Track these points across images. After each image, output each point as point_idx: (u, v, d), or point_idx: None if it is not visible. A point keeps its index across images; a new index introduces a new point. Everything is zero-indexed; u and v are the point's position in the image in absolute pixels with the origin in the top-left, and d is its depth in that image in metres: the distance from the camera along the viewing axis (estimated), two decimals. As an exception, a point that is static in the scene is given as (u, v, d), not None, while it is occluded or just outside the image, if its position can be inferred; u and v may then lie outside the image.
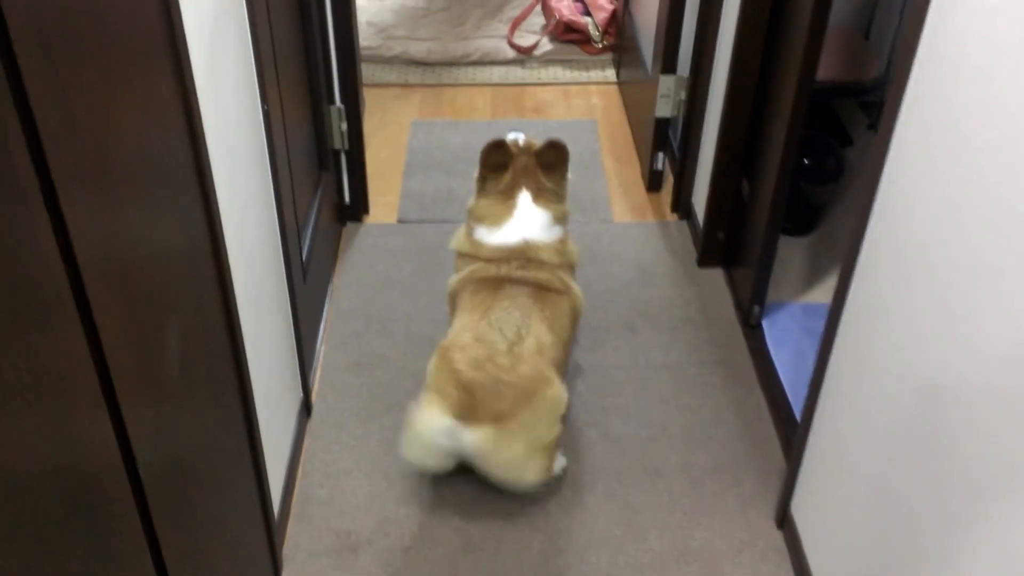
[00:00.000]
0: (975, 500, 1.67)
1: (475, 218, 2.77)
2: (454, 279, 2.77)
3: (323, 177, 3.40)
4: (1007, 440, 1.57)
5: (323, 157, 3.41)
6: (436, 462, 2.59)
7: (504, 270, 2.63)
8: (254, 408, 2.18)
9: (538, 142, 2.81)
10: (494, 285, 2.62)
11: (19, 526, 1.05)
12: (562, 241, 2.74)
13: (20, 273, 1.04)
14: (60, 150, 1.12)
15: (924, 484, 1.85)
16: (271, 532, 2.40)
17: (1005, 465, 1.58)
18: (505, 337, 2.48)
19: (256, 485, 2.26)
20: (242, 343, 2.06)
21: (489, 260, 2.67)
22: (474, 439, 2.43)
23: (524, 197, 2.71)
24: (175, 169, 1.63)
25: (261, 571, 2.35)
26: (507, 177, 2.72)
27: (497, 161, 2.73)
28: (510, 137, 2.83)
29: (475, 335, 2.49)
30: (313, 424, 2.93)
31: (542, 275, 2.64)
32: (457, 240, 2.82)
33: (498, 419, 2.41)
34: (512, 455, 2.47)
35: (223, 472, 1.99)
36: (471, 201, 2.82)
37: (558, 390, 2.51)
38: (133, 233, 1.41)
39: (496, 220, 2.71)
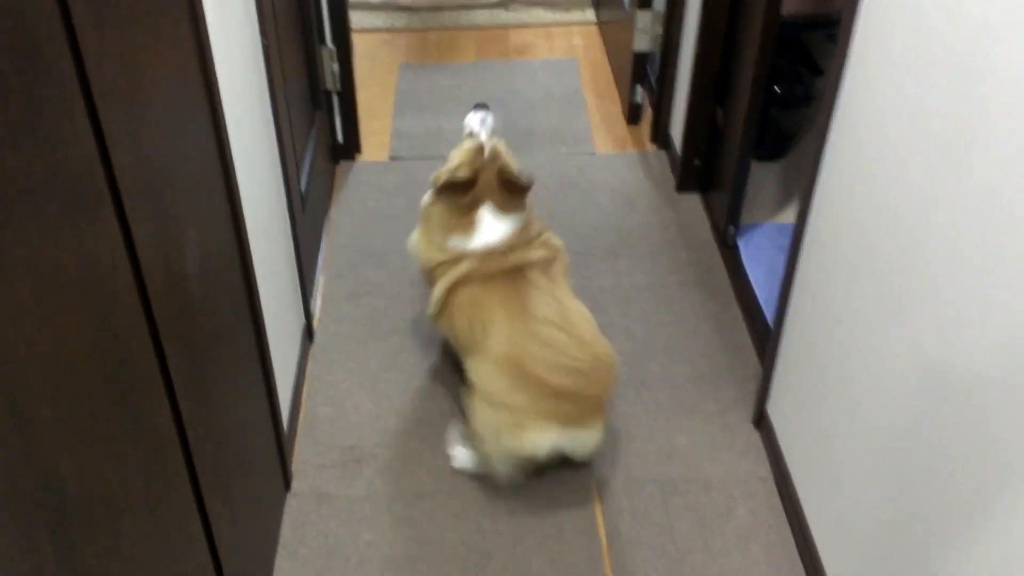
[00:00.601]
0: (930, 383, 1.85)
1: (441, 228, 2.69)
2: (442, 286, 2.66)
3: (316, 115, 3.54)
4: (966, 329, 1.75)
5: (316, 96, 3.55)
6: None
7: (504, 263, 2.59)
8: (264, 325, 2.33)
9: (503, 147, 2.72)
10: (505, 280, 2.57)
11: (66, 401, 1.21)
12: (527, 220, 2.70)
13: (69, 172, 1.20)
14: (98, 69, 1.27)
15: (886, 375, 2.02)
16: (282, 446, 2.56)
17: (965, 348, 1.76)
18: (560, 328, 2.45)
19: (267, 400, 2.42)
20: (252, 263, 2.21)
21: (482, 259, 2.61)
22: (588, 437, 2.51)
23: (487, 210, 2.63)
24: (189, 93, 1.78)
25: (274, 482, 2.52)
26: (469, 196, 2.63)
27: (463, 192, 2.64)
28: (476, 116, 2.76)
29: (537, 341, 2.43)
30: (316, 350, 3.10)
31: (537, 253, 2.63)
32: (426, 252, 2.75)
33: (602, 407, 2.49)
34: (603, 431, 2.56)
35: (238, 385, 2.15)
36: (427, 201, 2.79)
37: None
38: (156, 145, 1.56)
39: (465, 230, 2.64)
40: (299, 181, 3.00)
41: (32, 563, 1.11)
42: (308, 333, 3.09)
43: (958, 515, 1.72)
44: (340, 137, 3.93)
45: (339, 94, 3.81)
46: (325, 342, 3.13)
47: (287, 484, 2.65)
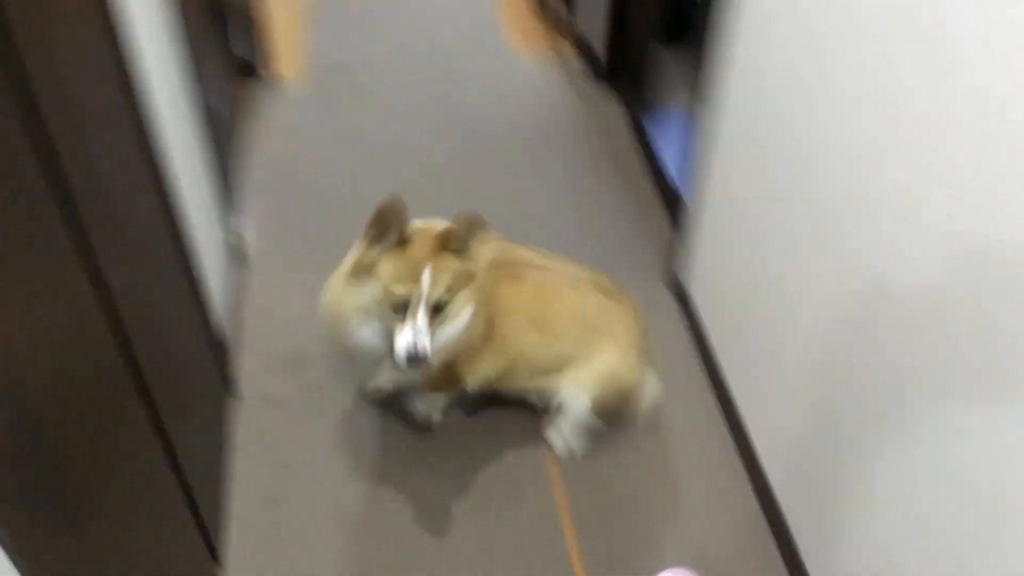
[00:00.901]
0: (837, 264, 1.98)
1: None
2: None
3: (224, 31, 3.56)
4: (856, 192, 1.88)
5: (222, 12, 3.56)
6: None
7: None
8: (184, 235, 2.36)
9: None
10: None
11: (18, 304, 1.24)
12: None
13: None
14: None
15: (782, 231, 2.17)
16: (220, 354, 2.64)
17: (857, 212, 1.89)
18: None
19: (199, 312, 2.46)
20: (164, 175, 2.21)
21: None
22: None
23: None
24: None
25: (218, 391, 2.59)
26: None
27: None
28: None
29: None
30: (249, 265, 3.18)
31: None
32: None
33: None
34: None
35: (170, 297, 2.19)
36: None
37: None
38: (63, 52, 1.59)
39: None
40: (206, 96, 3.02)
41: (21, 467, 1.20)
42: (238, 250, 3.15)
43: (871, 395, 1.86)
44: (249, 55, 3.94)
45: (246, 11, 3.81)
46: (258, 261, 3.20)
47: (230, 390, 2.72)
